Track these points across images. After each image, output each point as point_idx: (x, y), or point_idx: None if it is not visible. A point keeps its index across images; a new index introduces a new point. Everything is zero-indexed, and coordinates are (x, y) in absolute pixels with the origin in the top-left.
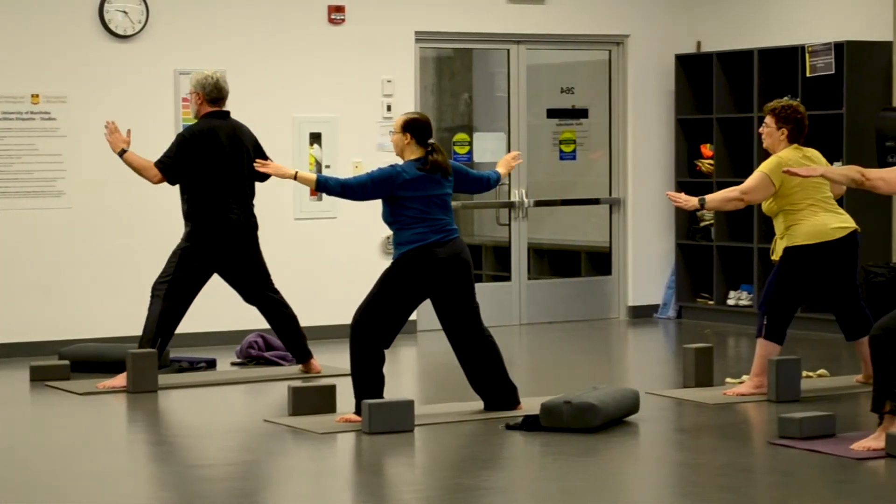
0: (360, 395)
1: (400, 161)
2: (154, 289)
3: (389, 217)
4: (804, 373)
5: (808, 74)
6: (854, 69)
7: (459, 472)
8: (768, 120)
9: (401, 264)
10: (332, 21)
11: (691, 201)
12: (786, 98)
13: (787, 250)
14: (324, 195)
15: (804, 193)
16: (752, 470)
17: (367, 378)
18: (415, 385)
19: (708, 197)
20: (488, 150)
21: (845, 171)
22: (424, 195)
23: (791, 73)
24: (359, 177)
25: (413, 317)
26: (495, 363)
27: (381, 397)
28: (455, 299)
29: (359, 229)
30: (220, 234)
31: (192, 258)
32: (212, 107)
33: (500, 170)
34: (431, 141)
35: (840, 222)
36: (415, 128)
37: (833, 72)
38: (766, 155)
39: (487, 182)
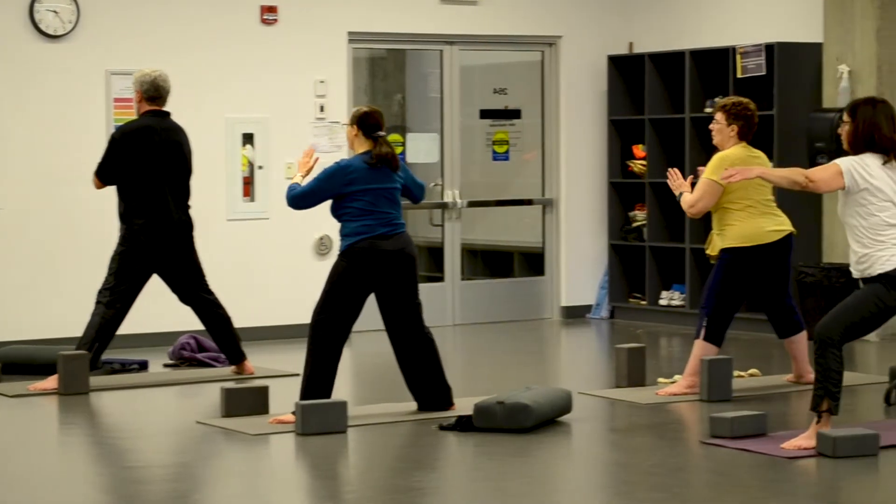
0: (310, 394)
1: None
2: (98, 295)
3: (337, 211)
4: (736, 372)
5: (739, 75)
6: (785, 70)
7: (393, 472)
8: (718, 116)
9: (347, 258)
10: (264, 21)
11: (683, 187)
12: (718, 98)
13: (723, 252)
14: (257, 196)
15: (744, 193)
16: (684, 469)
17: (322, 377)
18: (348, 386)
19: (686, 195)
20: (421, 150)
21: (787, 174)
22: (372, 188)
23: (722, 75)
24: (307, 184)
25: None
26: (433, 362)
27: (328, 397)
28: (398, 294)
29: (292, 230)
30: (156, 234)
31: (130, 261)
32: (150, 105)
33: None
34: (381, 133)
35: (776, 225)
36: (362, 121)
37: (764, 73)
38: (710, 151)
39: (420, 190)
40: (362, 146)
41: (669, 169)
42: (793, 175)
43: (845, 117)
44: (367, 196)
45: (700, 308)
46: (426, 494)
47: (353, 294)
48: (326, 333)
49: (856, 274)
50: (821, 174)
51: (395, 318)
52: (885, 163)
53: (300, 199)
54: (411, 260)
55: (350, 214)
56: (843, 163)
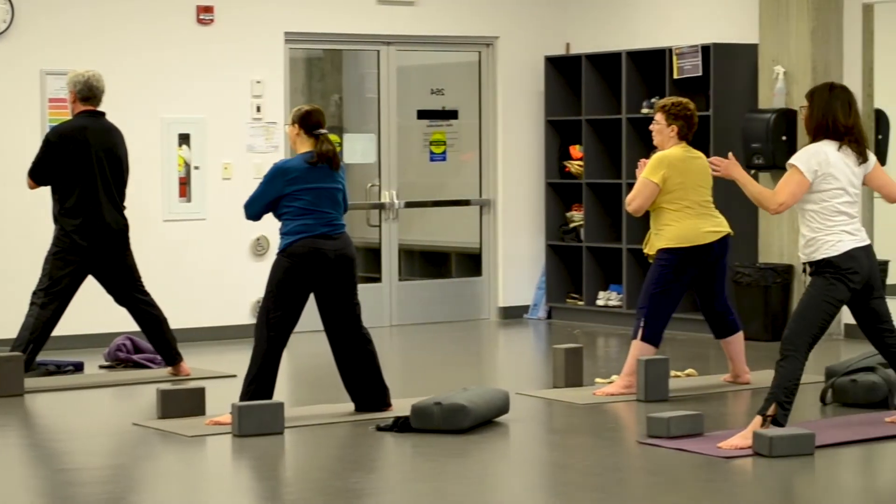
0: (252, 395)
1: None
2: (32, 296)
3: (278, 210)
4: (672, 372)
5: (675, 76)
6: (721, 71)
7: (330, 474)
8: (658, 117)
9: (285, 256)
10: (200, 21)
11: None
12: (655, 99)
13: (660, 252)
14: (193, 196)
15: (682, 194)
16: (621, 469)
17: (267, 378)
18: (285, 387)
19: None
20: (358, 151)
21: (759, 197)
22: (313, 188)
23: (659, 75)
24: (253, 193)
25: None
26: (371, 363)
27: (270, 398)
28: (337, 295)
29: (228, 231)
30: (91, 236)
31: (65, 262)
32: (84, 106)
33: None
34: (322, 132)
35: (713, 226)
36: (303, 120)
37: (700, 74)
38: (649, 151)
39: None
40: (304, 145)
41: (641, 160)
42: (763, 200)
43: (804, 102)
44: (308, 195)
45: (637, 308)
46: (363, 495)
47: (296, 293)
48: (274, 333)
49: (802, 258)
50: (788, 190)
51: (333, 318)
52: (839, 148)
53: (248, 207)
54: (351, 261)
55: (290, 213)
56: (801, 161)
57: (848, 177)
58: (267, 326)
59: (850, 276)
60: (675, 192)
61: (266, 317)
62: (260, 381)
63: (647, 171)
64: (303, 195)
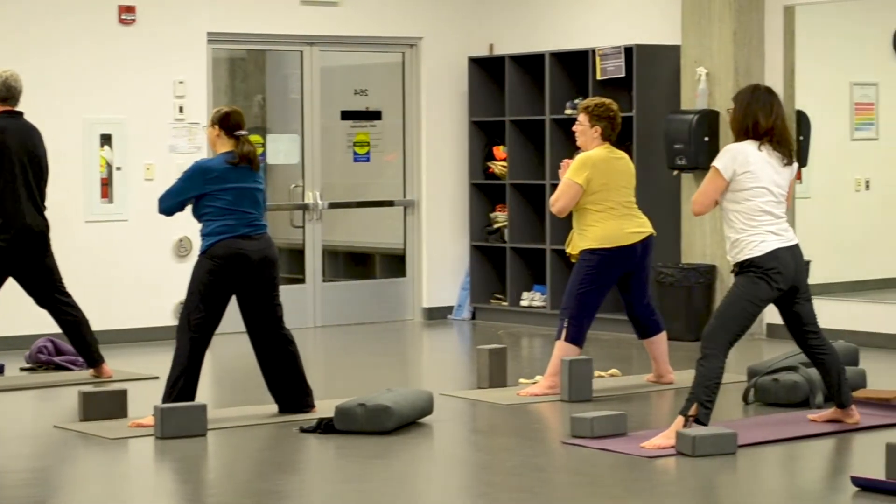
0: (175, 396)
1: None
2: None
3: (198, 210)
4: (596, 372)
5: (598, 77)
6: (643, 72)
7: (253, 476)
8: (582, 118)
9: (207, 258)
10: (122, 21)
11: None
12: (579, 100)
13: (583, 253)
14: (115, 197)
15: (605, 195)
16: (545, 469)
17: (190, 379)
18: (208, 389)
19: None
20: (281, 152)
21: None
22: (234, 187)
23: (582, 76)
24: (170, 187)
25: None
26: (293, 364)
27: (192, 399)
28: (259, 296)
29: (151, 232)
30: (11, 237)
31: None
32: (2, 106)
33: None
34: (242, 133)
35: (636, 227)
36: (223, 121)
37: (623, 75)
38: (572, 152)
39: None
40: (224, 146)
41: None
42: (696, 198)
43: (727, 103)
44: (229, 195)
45: (561, 309)
46: (287, 497)
47: (218, 294)
48: (196, 334)
49: (730, 260)
50: (710, 187)
51: (255, 319)
52: (759, 147)
53: (163, 200)
54: (272, 262)
55: (211, 214)
56: (720, 160)
57: (771, 176)
58: (189, 328)
59: (773, 276)
60: (599, 193)
61: (187, 318)
62: (183, 382)
63: (571, 173)
64: (223, 195)
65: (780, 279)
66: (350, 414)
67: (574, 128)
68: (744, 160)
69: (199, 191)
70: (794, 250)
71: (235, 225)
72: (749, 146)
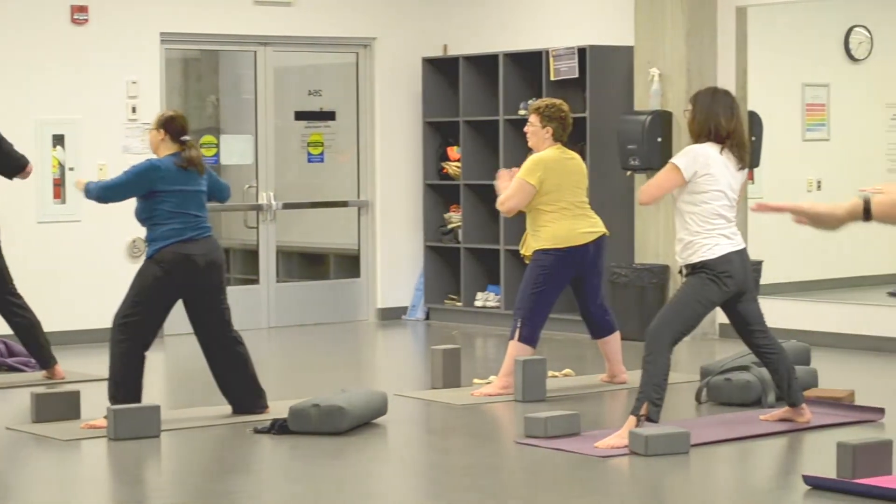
0: (119, 398)
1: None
2: None
3: (144, 213)
4: (550, 372)
5: (552, 78)
6: (597, 73)
7: (207, 477)
8: (533, 119)
9: (155, 263)
10: (75, 21)
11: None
12: (532, 101)
13: (536, 253)
14: (67, 198)
15: (558, 195)
16: (499, 469)
17: (128, 381)
18: (162, 390)
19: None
20: (235, 152)
21: (644, 190)
22: (181, 190)
23: (536, 77)
24: (116, 178)
25: None
26: (244, 366)
27: (139, 401)
28: (206, 299)
29: (103, 233)
30: None
31: None
32: None
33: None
34: (187, 138)
35: (589, 227)
36: (168, 125)
37: (577, 75)
38: (526, 153)
39: (224, 192)
40: (168, 150)
41: (501, 170)
42: (645, 189)
43: (688, 105)
44: (175, 198)
45: (514, 309)
46: (240, 498)
47: (161, 299)
48: (131, 337)
49: (679, 261)
50: (664, 180)
51: (203, 323)
52: (721, 151)
53: (109, 189)
54: (219, 266)
55: (158, 217)
56: (681, 159)
57: (728, 180)
58: (120, 329)
59: (724, 279)
60: (552, 194)
61: (120, 320)
62: (121, 385)
63: (524, 173)
64: (170, 198)
65: (731, 283)
66: (304, 415)
67: (525, 129)
68: (705, 162)
69: (148, 188)
70: (743, 254)
71: (182, 229)
72: (711, 149)
